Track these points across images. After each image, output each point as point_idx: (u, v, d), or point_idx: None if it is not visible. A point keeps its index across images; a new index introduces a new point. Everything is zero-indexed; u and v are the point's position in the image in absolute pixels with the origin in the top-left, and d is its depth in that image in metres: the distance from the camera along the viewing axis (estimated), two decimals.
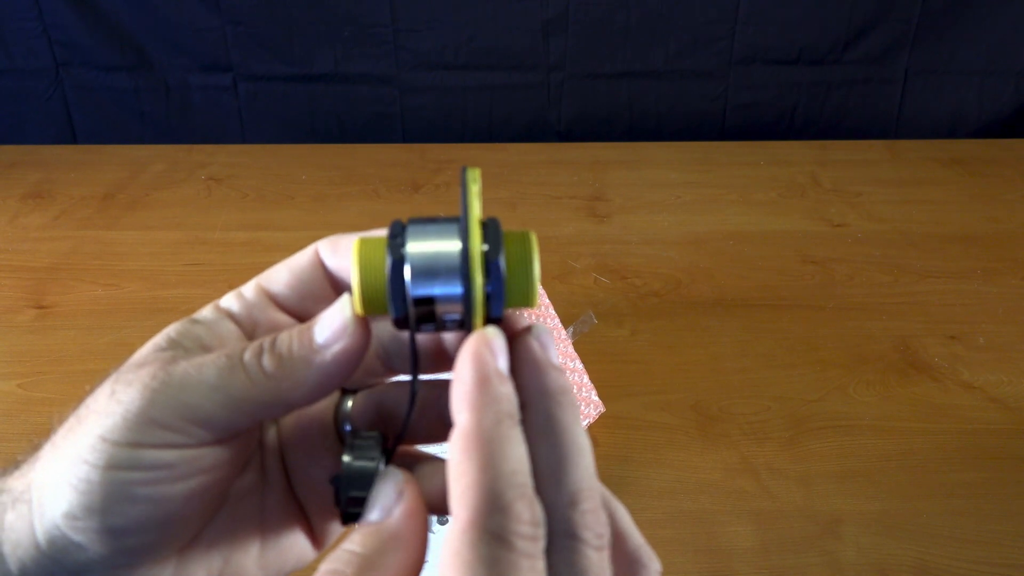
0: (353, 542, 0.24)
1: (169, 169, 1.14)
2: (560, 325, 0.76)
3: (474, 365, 0.23)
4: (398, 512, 0.24)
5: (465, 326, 0.24)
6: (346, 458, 0.26)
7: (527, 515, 0.21)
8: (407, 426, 0.27)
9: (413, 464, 0.28)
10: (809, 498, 0.63)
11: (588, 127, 1.32)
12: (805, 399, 0.73)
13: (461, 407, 0.23)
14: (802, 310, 0.84)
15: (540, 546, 0.22)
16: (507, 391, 0.23)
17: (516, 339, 0.25)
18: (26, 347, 0.80)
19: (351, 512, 0.26)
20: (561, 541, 0.22)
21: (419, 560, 0.24)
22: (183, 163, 1.16)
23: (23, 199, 1.07)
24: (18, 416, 0.71)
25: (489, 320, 0.24)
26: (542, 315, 0.77)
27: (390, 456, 0.27)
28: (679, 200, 1.06)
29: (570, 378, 0.71)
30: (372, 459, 0.26)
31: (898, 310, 0.84)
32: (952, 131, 1.30)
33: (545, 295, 0.79)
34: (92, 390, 0.26)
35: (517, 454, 0.22)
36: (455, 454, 0.22)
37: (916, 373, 0.75)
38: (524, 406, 0.24)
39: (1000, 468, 0.66)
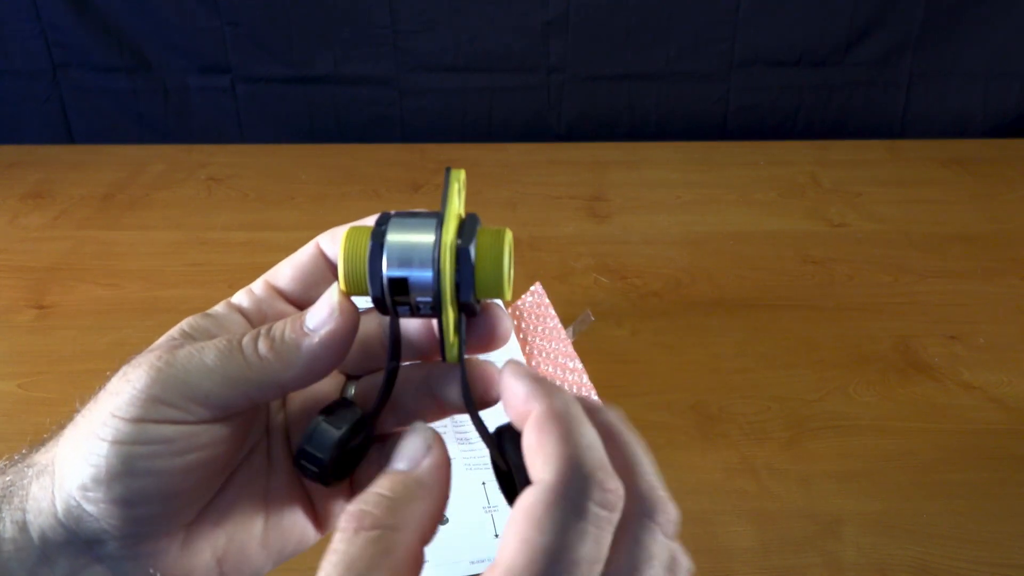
0: (381, 486, 0.25)
1: (169, 169, 1.14)
2: (560, 325, 0.76)
3: (522, 372, 0.26)
4: (427, 463, 0.26)
5: (436, 311, 0.26)
6: (319, 417, 0.28)
7: (610, 483, 0.23)
8: (383, 401, 0.29)
9: None
10: (809, 498, 0.63)
11: (588, 130, 1.32)
12: (805, 399, 0.72)
13: (530, 402, 0.24)
14: (802, 310, 0.84)
15: (612, 520, 0.23)
16: (562, 387, 0.25)
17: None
18: (26, 347, 0.80)
19: (300, 464, 0.28)
20: (638, 520, 0.24)
21: (441, 510, 0.26)
22: (183, 163, 1.16)
23: (23, 199, 1.07)
24: (18, 416, 0.71)
25: (458, 305, 0.26)
26: (542, 315, 0.77)
27: (360, 430, 0.29)
28: (679, 200, 1.06)
29: (570, 378, 0.71)
30: (340, 428, 0.28)
31: (898, 310, 0.84)
32: (957, 134, 1.29)
33: (545, 295, 0.79)
34: (111, 375, 0.28)
35: (591, 432, 0.24)
36: (533, 437, 0.24)
37: (916, 373, 0.75)
38: None
39: (1000, 468, 0.66)
